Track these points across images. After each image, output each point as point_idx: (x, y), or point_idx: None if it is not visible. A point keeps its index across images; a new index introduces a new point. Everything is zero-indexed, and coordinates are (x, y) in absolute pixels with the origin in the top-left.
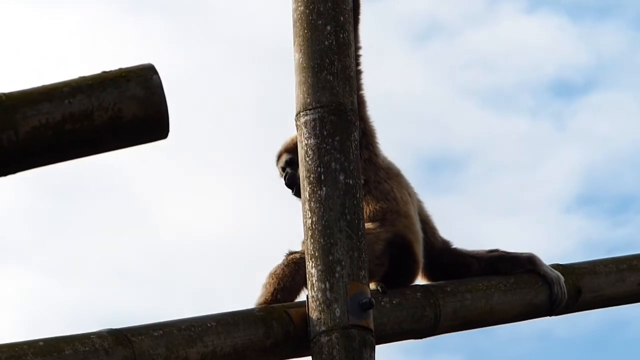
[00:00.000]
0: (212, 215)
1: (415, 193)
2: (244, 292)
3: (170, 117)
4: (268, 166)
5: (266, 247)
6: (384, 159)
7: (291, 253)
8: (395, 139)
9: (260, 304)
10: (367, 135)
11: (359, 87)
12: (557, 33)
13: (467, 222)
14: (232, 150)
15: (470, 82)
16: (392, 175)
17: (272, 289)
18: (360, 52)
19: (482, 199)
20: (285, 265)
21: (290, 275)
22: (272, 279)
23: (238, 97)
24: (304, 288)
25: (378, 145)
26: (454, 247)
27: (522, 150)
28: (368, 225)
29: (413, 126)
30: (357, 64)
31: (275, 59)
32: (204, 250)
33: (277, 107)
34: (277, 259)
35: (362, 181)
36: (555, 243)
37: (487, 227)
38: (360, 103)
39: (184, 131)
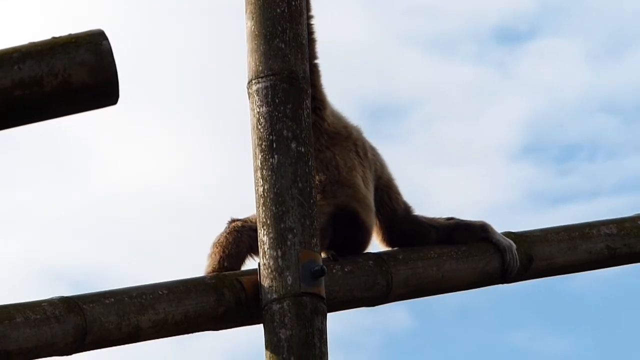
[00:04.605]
0: (157, 168)
1: (374, 155)
2: (187, 249)
3: (117, 67)
4: (218, 121)
5: (211, 203)
6: (334, 123)
7: (233, 220)
8: (338, 87)
9: (209, 273)
10: (316, 100)
11: (313, 56)
12: None
13: (411, 171)
14: (178, 102)
15: (412, 29)
16: (338, 140)
17: (217, 257)
18: (313, 20)
19: (427, 147)
20: (228, 233)
21: (234, 242)
22: (217, 247)
23: (191, 49)
24: (249, 255)
25: (327, 111)
26: (415, 214)
27: (466, 99)
28: None
29: (355, 74)
30: (311, 32)
31: (229, 19)
32: (146, 203)
33: (230, 62)
34: (222, 218)
35: None
36: (501, 192)
37: (432, 177)
38: (315, 72)
39: (130, 82)
